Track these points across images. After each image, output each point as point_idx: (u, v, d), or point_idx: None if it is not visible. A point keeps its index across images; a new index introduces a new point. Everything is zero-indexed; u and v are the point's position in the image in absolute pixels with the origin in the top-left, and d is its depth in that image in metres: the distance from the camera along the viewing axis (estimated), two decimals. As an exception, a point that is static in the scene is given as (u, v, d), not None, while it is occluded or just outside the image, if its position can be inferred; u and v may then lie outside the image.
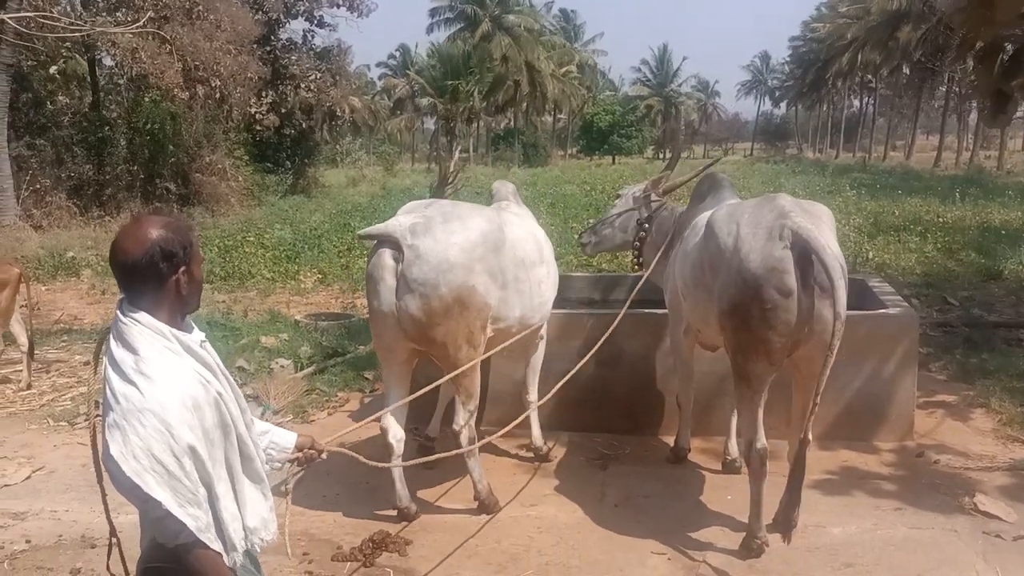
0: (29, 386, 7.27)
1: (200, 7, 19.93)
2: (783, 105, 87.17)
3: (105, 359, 2.08)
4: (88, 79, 23.84)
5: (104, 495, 2.33)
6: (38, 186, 19.95)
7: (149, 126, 21.70)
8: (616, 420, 5.56)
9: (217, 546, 2.06)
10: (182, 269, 2.11)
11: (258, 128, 26.88)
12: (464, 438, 4.43)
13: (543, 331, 5.25)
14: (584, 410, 5.76)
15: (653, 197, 5.56)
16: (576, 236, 5.81)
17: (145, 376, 1.98)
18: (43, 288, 12.21)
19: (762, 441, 3.99)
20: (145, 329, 2.05)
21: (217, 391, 2.11)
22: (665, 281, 5.07)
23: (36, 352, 7.70)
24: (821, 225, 3.89)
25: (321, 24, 29.20)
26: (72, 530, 4.49)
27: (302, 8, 28.00)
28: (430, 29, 58.93)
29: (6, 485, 5.13)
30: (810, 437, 4.16)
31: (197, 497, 2.01)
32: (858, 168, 38.97)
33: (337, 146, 42.15)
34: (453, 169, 5.90)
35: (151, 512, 1.99)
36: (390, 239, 4.17)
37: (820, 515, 4.43)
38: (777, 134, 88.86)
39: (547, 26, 64.91)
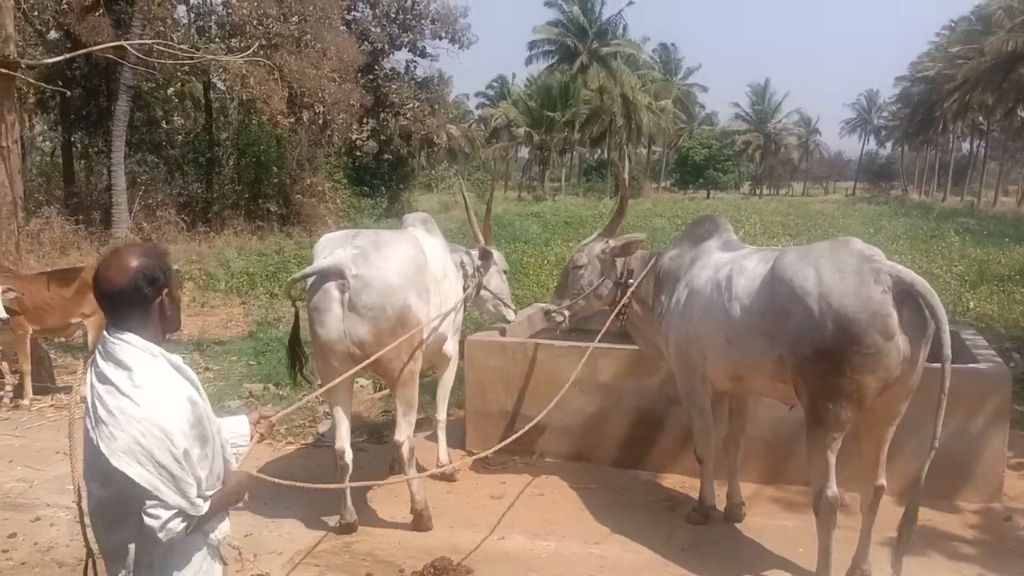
0: (123, 392, 7.63)
1: (308, 36, 20.80)
2: (888, 145, 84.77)
3: (91, 379, 2.22)
4: (203, 101, 25.09)
5: (81, 515, 2.44)
6: (150, 201, 21.06)
7: (255, 148, 22.67)
8: (689, 461, 5.47)
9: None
10: (165, 291, 2.31)
11: (358, 153, 27.75)
12: (406, 449, 4.69)
13: (450, 349, 5.53)
14: (656, 449, 5.72)
15: (617, 249, 5.07)
16: (544, 315, 5.34)
17: (140, 389, 2.15)
18: (147, 299, 12.81)
19: (833, 489, 3.90)
20: (135, 348, 2.22)
21: (204, 408, 2.28)
22: (665, 330, 4.78)
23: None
24: None
25: (423, 55, 30.06)
26: (152, 534, 4.69)
27: (406, 40, 28.85)
28: (528, 61, 59.71)
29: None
30: (884, 483, 4.07)
31: (196, 487, 2.20)
32: (965, 212, 37.40)
33: (432, 172, 43.06)
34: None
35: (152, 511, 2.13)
36: (334, 271, 4.45)
37: (895, 575, 4.25)
38: (881, 174, 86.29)
39: (645, 59, 64.99)
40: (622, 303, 5.04)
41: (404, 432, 4.70)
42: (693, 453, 4.91)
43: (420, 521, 4.79)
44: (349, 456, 4.71)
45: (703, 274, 4.56)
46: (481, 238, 5.86)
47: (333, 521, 4.86)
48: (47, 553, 4.46)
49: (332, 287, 4.44)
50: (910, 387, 3.85)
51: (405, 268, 4.58)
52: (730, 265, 4.40)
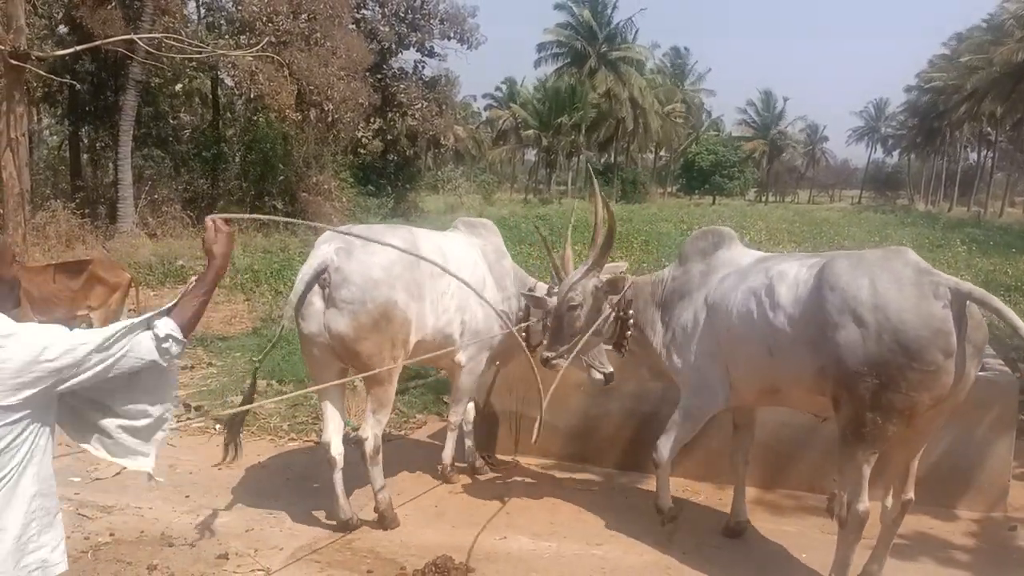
0: (128, 386, 7.65)
1: (318, 34, 20.84)
2: (895, 154, 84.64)
3: None
4: (210, 97, 25.13)
5: None
6: (156, 196, 21.08)
7: (262, 145, 22.68)
8: (691, 466, 5.47)
9: None
10: None
11: (363, 152, 27.75)
12: (370, 446, 4.66)
13: (463, 359, 5.22)
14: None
15: (606, 287, 4.70)
16: (542, 363, 4.68)
17: None
18: (151, 293, 12.84)
19: (866, 503, 3.80)
20: None
21: None
22: (673, 352, 4.59)
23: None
24: None
25: (432, 55, 30.06)
26: (153, 527, 4.69)
27: (414, 39, 28.86)
28: (538, 63, 59.63)
29: (97, 479, 5.41)
30: (913, 496, 4.05)
31: None
32: (972, 223, 37.32)
33: (439, 173, 43.08)
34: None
35: None
36: (319, 268, 4.50)
37: (897, 583, 4.23)
38: (888, 183, 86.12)
39: (654, 64, 65.07)
40: (626, 335, 4.78)
41: (370, 429, 4.66)
42: (652, 457, 4.64)
43: (383, 521, 4.76)
44: (337, 450, 4.73)
45: (727, 284, 4.34)
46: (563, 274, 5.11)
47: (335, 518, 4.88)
48: (48, 544, 4.45)
49: (315, 283, 4.52)
50: (957, 403, 3.79)
51: (391, 263, 4.52)
52: (765, 272, 4.19)
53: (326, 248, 4.56)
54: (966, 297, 3.57)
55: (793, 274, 4.05)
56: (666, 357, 4.65)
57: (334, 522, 4.78)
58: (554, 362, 4.66)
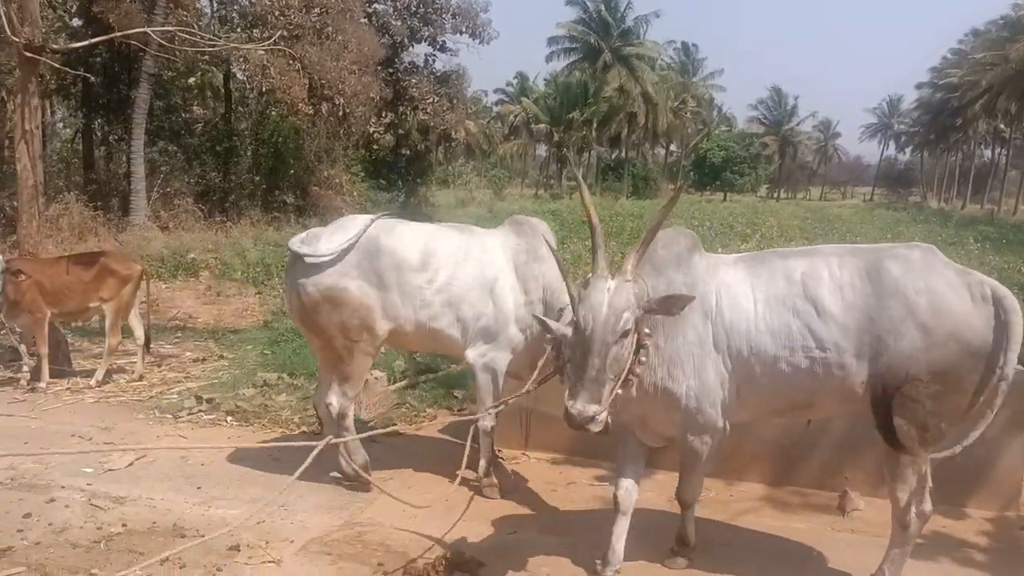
0: (141, 377, 7.70)
1: (330, 28, 20.85)
2: (908, 151, 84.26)
3: None
4: (222, 90, 25.20)
5: None
6: (168, 189, 21.18)
7: (273, 139, 22.74)
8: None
9: None
10: None
11: (375, 147, 27.77)
12: (334, 410, 5.03)
13: (472, 356, 5.05)
14: (667, 448, 5.68)
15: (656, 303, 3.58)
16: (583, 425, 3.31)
17: None
18: (163, 286, 12.92)
19: (931, 503, 3.86)
20: None
21: None
22: (672, 369, 3.86)
23: (150, 346, 8.16)
24: None
25: (443, 49, 30.00)
26: (165, 518, 4.71)
27: (426, 33, 28.81)
28: (549, 57, 59.56)
29: (110, 470, 5.44)
30: (931, 483, 4.02)
31: None
32: (985, 221, 37.14)
33: (450, 167, 43.12)
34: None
35: None
36: (290, 251, 4.96)
37: (908, 581, 4.21)
38: (900, 180, 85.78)
39: (666, 60, 64.91)
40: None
41: (334, 397, 5.04)
42: (676, 496, 4.34)
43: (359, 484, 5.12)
44: (323, 411, 5.18)
45: (734, 295, 3.87)
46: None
47: (346, 511, 4.91)
48: (61, 534, 4.48)
49: (289, 265, 5.00)
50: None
51: (342, 252, 4.79)
52: (785, 276, 3.83)
53: (301, 234, 5.02)
54: (1000, 301, 3.59)
55: (827, 275, 3.76)
56: (658, 383, 3.89)
57: (346, 516, 4.81)
58: (599, 420, 3.36)
